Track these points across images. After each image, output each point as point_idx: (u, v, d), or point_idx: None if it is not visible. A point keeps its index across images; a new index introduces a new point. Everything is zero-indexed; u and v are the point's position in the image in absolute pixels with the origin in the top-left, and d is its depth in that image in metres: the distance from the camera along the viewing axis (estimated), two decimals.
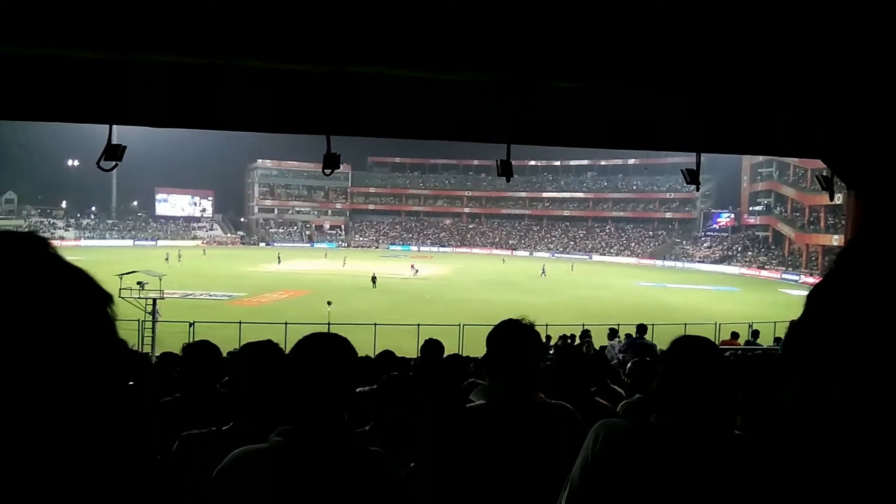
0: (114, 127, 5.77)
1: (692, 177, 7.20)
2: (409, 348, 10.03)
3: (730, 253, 66.21)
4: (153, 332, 18.27)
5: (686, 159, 7.27)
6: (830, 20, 3.49)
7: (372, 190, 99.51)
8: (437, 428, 1.98)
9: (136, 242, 76.52)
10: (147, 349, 16.09)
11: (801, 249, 56.39)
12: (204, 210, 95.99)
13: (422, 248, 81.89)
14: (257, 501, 1.32)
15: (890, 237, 0.52)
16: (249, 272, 44.49)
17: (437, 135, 6.06)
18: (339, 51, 3.78)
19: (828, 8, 3.39)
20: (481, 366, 2.07)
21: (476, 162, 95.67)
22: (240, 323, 16.72)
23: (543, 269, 50.06)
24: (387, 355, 5.50)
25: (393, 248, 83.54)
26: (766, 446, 1.36)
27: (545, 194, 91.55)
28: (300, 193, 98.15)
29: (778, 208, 64.76)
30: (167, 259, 47.22)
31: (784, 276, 51.73)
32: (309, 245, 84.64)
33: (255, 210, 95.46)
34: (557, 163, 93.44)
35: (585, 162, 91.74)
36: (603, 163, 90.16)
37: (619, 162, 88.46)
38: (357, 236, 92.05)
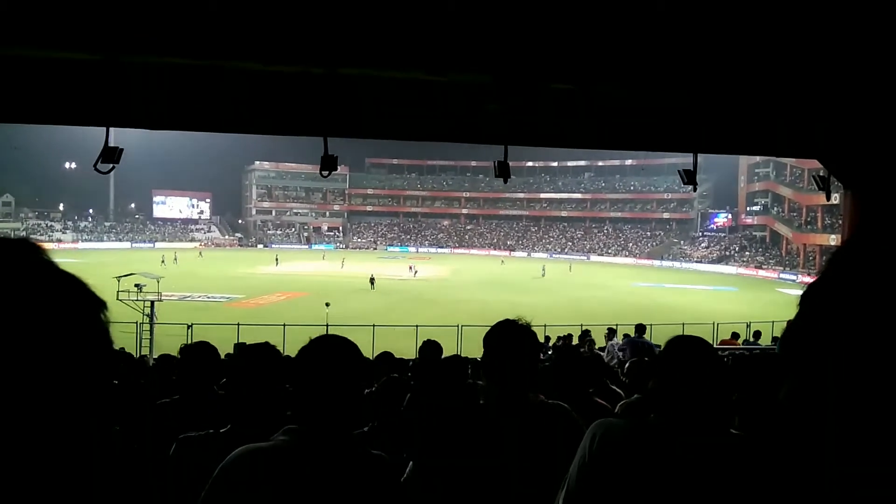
0: (111, 129, 5.76)
1: (689, 177, 7.21)
2: (407, 349, 10.02)
3: (727, 253, 66.29)
4: (151, 334, 18.24)
5: (683, 160, 7.28)
6: (827, 22, 3.50)
7: (370, 191, 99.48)
8: (435, 429, 1.98)
9: (134, 245, 76.42)
10: (145, 352, 16.06)
11: (799, 249, 56.49)
12: (201, 212, 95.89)
13: (420, 250, 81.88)
14: (259, 500, 1.32)
15: (884, 237, 0.52)
16: (247, 274, 44.44)
17: (435, 136, 6.07)
18: (331, 52, 3.78)
19: (825, 10, 3.40)
20: (478, 367, 2.06)
21: (474, 163, 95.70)
22: (238, 325, 16.70)
23: (543, 270, 50.07)
24: (386, 357, 5.50)
25: (391, 249, 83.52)
26: (763, 445, 1.36)
27: (543, 195, 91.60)
28: (298, 195, 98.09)
29: (775, 208, 64.87)
30: (163, 261, 47.12)
31: (782, 275, 51.80)
32: (307, 247, 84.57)
33: (253, 212, 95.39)
34: (555, 164, 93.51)
35: (583, 163, 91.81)
36: (600, 163, 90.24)
37: (617, 162, 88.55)
38: (355, 238, 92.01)
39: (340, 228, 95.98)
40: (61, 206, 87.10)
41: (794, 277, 49.20)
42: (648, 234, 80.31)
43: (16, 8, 3.37)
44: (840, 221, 40.58)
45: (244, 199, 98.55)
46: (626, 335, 12.59)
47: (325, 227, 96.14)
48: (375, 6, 3.45)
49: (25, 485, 0.49)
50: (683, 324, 17.26)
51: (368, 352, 9.03)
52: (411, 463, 1.97)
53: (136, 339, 17.27)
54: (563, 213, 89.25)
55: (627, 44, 3.84)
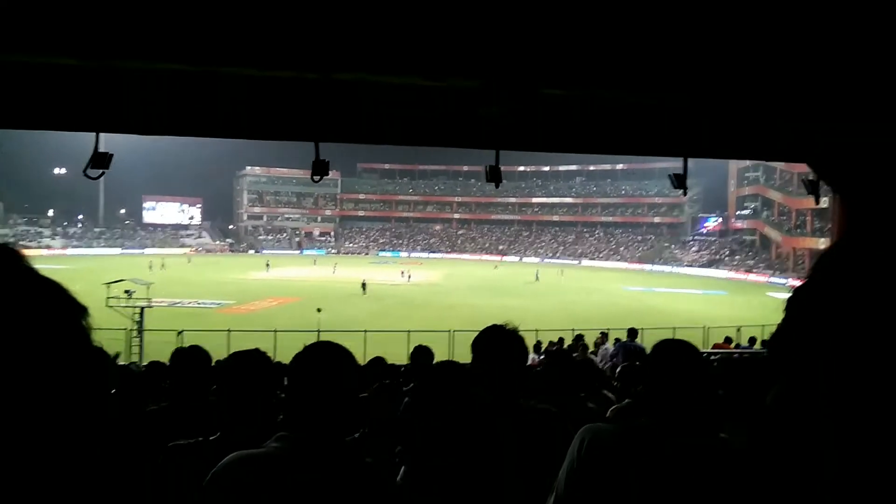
0: (101, 135, 5.73)
1: (679, 181, 7.25)
2: (399, 355, 10.00)
3: (718, 257, 66.64)
4: (140, 341, 18.10)
5: (674, 164, 7.32)
6: (815, 27, 3.53)
7: (361, 196, 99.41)
8: (428, 434, 1.97)
9: (124, 251, 75.89)
10: (135, 358, 15.94)
11: (789, 253, 56.87)
12: (192, 218, 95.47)
13: (412, 254, 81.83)
14: None
15: (869, 240, 0.52)
16: (238, 280, 44.26)
17: (426, 141, 6.07)
18: (326, 58, 3.78)
19: (812, 15, 3.43)
20: (467, 372, 2.07)
21: (465, 168, 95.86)
22: (228, 331, 16.60)
23: (537, 275, 50.13)
24: (377, 362, 5.48)
25: (383, 254, 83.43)
26: (751, 449, 1.37)
27: (534, 199, 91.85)
28: (289, 200, 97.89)
29: (765, 212, 65.33)
30: (150, 267, 46.71)
31: (772, 279, 52.11)
32: (298, 252, 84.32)
33: (244, 217, 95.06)
34: (546, 168, 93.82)
35: (574, 167, 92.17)
36: (591, 168, 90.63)
37: (608, 167, 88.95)
38: (347, 243, 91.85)
39: (332, 233, 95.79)
40: (51, 212, 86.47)
41: (783, 281, 49.51)
42: (639, 238, 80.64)
43: (4, 13, 3.35)
44: (829, 225, 40.91)
45: (235, 205, 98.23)
46: (616, 339, 12.61)
47: (317, 232, 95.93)
48: (370, 12, 3.46)
49: (8, 492, 0.48)
50: (674, 328, 17.33)
51: (360, 357, 9.00)
52: (403, 468, 1.97)
53: (126, 346, 17.14)
54: (555, 218, 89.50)
55: (617, 50, 3.86)
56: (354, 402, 1.48)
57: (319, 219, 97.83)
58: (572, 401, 2.99)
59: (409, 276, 46.51)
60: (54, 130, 5.57)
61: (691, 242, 74.32)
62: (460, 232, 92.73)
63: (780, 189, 60.06)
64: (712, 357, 10.13)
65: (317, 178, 6.44)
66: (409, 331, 16.54)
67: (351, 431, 1.45)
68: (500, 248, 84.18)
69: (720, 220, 73.49)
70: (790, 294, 0.60)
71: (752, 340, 15.90)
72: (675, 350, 1.54)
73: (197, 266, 55.89)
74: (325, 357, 1.46)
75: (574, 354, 7.24)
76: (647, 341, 11.68)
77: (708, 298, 39.50)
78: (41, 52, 3.82)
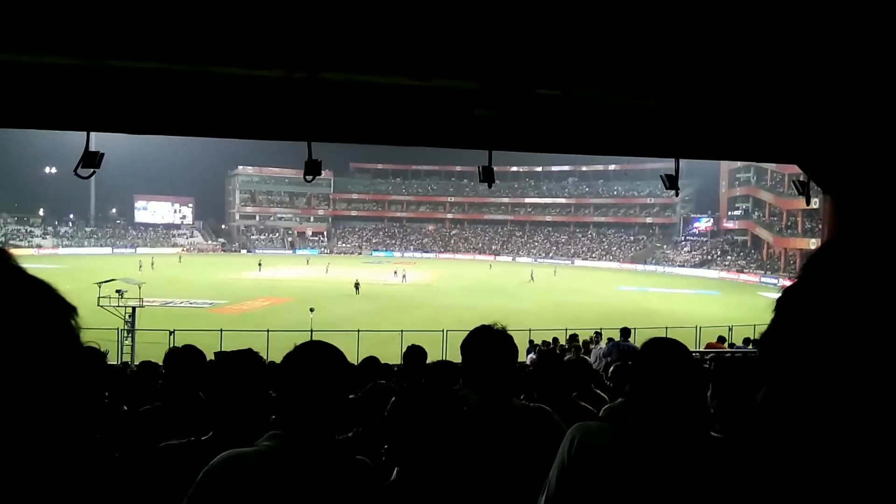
0: (91, 134, 5.70)
1: (671, 182, 7.28)
2: (392, 355, 9.99)
3: (709, 257, 66.97)
4: (132, 341, 18.01)
5: (666, 165, 7.35)
6: (806, 29, 3.56)
7: (354, 196, 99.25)
8: (421, 434, 1.98)
9: (115, 250, 75.44)
10: (126, 358, 15.86)
11: (780, 253, 57.22)
12: (184, 217, 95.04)
13: (405, 254, 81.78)
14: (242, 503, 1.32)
15: (859, 241, 0.52)
16: (230, 279, 44.09)
17: (419, 141, 6.07)
18: (314, 57, 3.77)
19: (803, 15, 3.45)
20: (459, 373, 2.08)
21: (458, 168, 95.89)
22: (220, 331, 16.55)
23: (532, 275, 50.17)
24: (371, 362, 5.47)
25: (376, 254, 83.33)
26: (740, 448, 1.38)
27: (527, 200, 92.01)
28: (282, 200, 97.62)
29: (756, 213, 65.69)
30: (140, 267, 46.24)
31: (763, 279, 52.42)
32: (291, 252, 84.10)
33: (237, 217, 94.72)
34: (539, 169, 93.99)
35: (567, 167, 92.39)
36: (584, 168, 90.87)
37: (600, 167, 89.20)
38: (340, 242, 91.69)
39: (325, 233, 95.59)
40: (41, 212, 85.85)
41: (775, 281, 49.81)
42: (632, 238, 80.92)
43: None
44: (820, 226, 41.18)
45: (227, 204, 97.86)
46: (609, 339, 12.66)
47: (310, 232, 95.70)
48: (358, 9, 3.46)
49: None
50: (667, 327, 17.39)
51: (353, 357, 8.98)
52: (396, 469, 1.97)
53: (118, 347, 17.05)
54: (548, 218, 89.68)
55: (608, 50, 3.87)
56: (345, 401, 1.48)
57: (312, 218, 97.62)
58: (565, 400, 3.00)
59: (405, 276, 46.47)
60: (45, 129, 5.53)
61: (683, 243, 74.64)
62: (453, 232, 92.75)
63: (772, 190, 60.42)
64: (706, 357, 10.19)
65: (309, 177, 6.43)
66: (402, 331, 16.54)
67: (342, 430, 1.45)
68: (493, 248, 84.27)
69: (711, 220, 73.85)
70: (780, 294, 0.61)
71: (747, 341, 15.98)
72: (663, 349, 1.54)
73: (188, 266, 55.63)
74: (315, 356, 1.47)
75: (567, 356, 7.25)
76: (640, 341, 11.72)
77: (700, 298, 39.69)
78: (30, 50, 3.79)
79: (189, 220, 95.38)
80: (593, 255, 76.56)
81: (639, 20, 3.54)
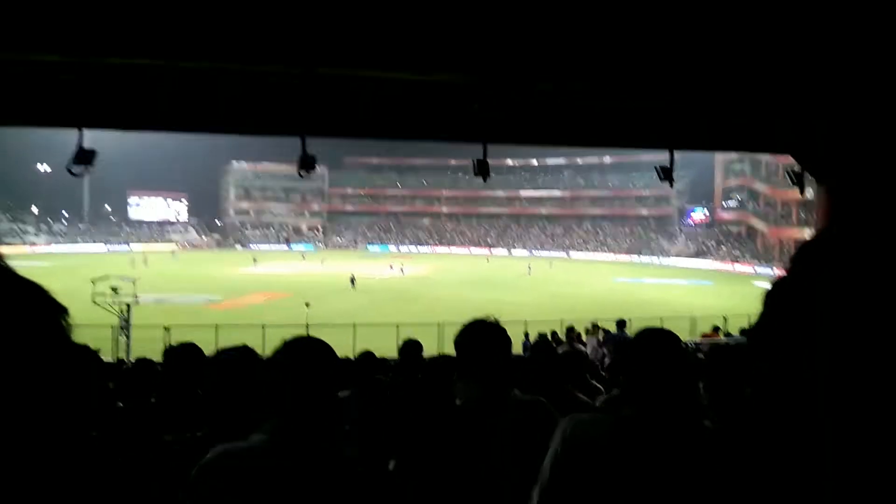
0: (84, 130, 5.67)
1: (665, 174, 7.29)
2: (388, 348, 10.01)
3: (704, 248, 67.13)
4: (128, 337, 17.98)
5: (660, 157, 7.36)
6: (800, 21, 3.56)
7: (349, 191, 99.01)
8: (418, 429, 1.98)
9: (110, 247, 75.13)
10: (122, 355, 15.83)
11: (774, 243, 57.39)
12: (178, 213, 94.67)
13: (401, 248, 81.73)
14: (236, 500, 1.32)
15: (847, 232, 0.52)
16: (225, 275, 43.99)
17: (413, 135, 6.06)
18: (309, 52, 3.76)
19: (798, 10, 3.46)
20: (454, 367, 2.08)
21: (453, 161, 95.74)
22: (216, 326, 16.53)
23: (530, 268, 50.24)
24: (367, 356, 5.47)
25: (371, 248, 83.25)
26: (733, 438, 1.39)
27: (523, 193, 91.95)
28: (276, 195, 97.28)
29: (751, 203, 65.82)
30: (133, 264, 45.87)
31: (757, 269, 52.59)
32: (286, 247, 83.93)
33: (231, 212, 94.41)
34: (534, 161, 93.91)
35: (562, 160, 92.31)
36: (579, 161, 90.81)
37: (595, 160, 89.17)
38: (335, 237, 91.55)
39: (320, 228, 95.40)
40: (34, 209, 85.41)
41: (770, 271, 49.99)
42: (627, 230, 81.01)
43: None
44: (815, 216, 41.28)
45: (222, 200, 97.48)
46: (605, 330, 12.70)
47: (305, 227, 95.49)
48: (353, 5, 3.44)
49: None
50: (662, 318, 17.46)
51: (349, 351, 8.97)
52: (393, 462, 1.98)
53: (113, 343, 17.02)
54: (543, 211, 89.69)
55: (603, 44, 3.87)
56: (333, 395, 1.49)
57: (307, 213, 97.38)
58: (560, 391, 3.01)
59: (403, 269, 46.51)
60: (37, 127, 5.50)
61: (678, 234, 74.79)
62: (449, 226, 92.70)
63: (766, 181, 60.53)
64: (700, 347, 10.21)
65: (303, 172, 6.42)
66: (398, 324, 16.56)
67: (332, 424, 1.46)
68: (489, 241, 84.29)
69: (706, 211, 73.99)
70: (769, 287, 0.61)
71: (744, 332, 16.04)
72: (655, 339, 1.55)
73: (183, 262, 55.46)
74: (303, 350, 1.47)
75: (559, 347, 7.27)
76: (635, 332, 11.75)
77: (695, 288, 39.84)
78: (23, 48, 3.77)
79: (183, 216, 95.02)
80: (589, 248, 76.66)
81: (636, 16, 3.54)
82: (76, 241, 76.81)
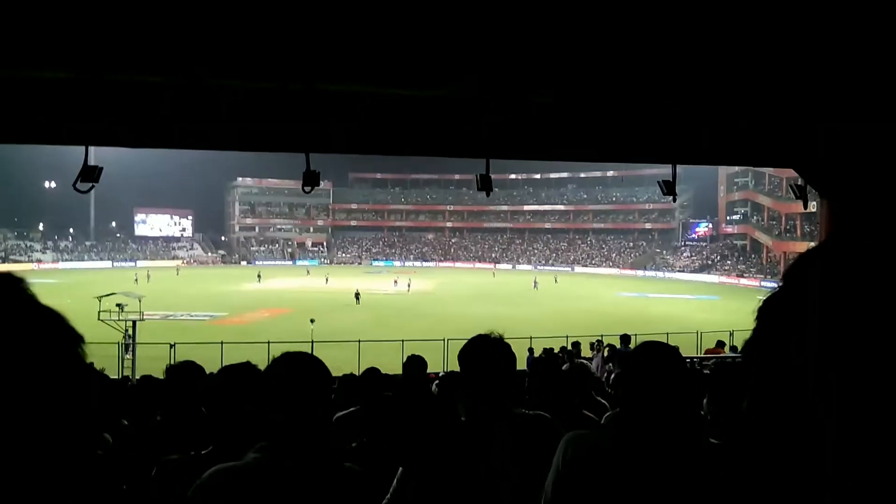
0: (90, 148, 5.72)
1: (668, 188, 7.29)
2: (393, 364, 9.97)
3: (709, 262, 66.93)
4: (133, 355, 17.98)
5: (663, 170, 7.37)
6: (801, 35, 3.58)
7: (354, 206, 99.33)
8: (423, 445, 1.97)
9: (115, 264, 75.37)
10: (127, 373, 15.82)
11: (779, 257, 57.18)
12: (184, 229, 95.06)
13: (405, 263, 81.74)
14: None
15: (842, 245, 0.51)
16: (230, 291, 44.03)
17: (416, 151, 6.09)
18: (309, 68, 3.79)
19: (799, 22, 3.47)
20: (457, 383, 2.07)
21: (457, 176, 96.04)
22: (221, 343, 16.52)
23: (535, 282, 50.20)
24: (372, 373, 5.46)
25: (376, 263, 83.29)
26: (735, 454, 1.37)
27: (526, 207, 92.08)
28: (281, 211, 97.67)
29: (755, 217, 65.70)
30: (136, 281, 45.96)
31: (763, 283, 52.34)
32: (291, 263, 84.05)
33: (236, 228, 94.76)
34: (537, 176, 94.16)
35: (565, 174, 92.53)
36: (582, 175, 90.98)
37: (598, 174, 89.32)
38: (339, 253, 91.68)
39: (325, 244, 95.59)
40: (41, 226, 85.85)
41: (775, 285, 49.51)
42: (631, 244, 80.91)
43: None
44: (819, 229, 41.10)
45: (227, 216, 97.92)
46: (610, 345, 12.63)
47: (310, 243, 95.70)
48: (353, 21, 3.48)
49: None
50: (667, 333, 17.34)
51: (355, 368, 8.96)
52: (399, 472, 1.96)
53: (118, 361, 17.02)
54: (547, 225, 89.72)
55: (603, 58, 3.89)
56: (325, 410, 1.48)
57: (312, 229, 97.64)
58: (566, 407, 2.99)
59: (409, 285, 46.52)
60: (43, 144, 5.55)
61: (682, 248, 74.63)
62: (453, 240, 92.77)
63: (770, 194, 60.48)
64: (705, 363, 10.14)
65: (308, 188, 6.44)
66: (403, 340, 16.52)
67: (323, 438, 1.45)
68: (493, 255, 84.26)
69: (710, 225, 73.86)
70: (762, 302, 0.60)
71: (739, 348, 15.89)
72: (653, 353, 1.53)
73: (188, 278, 55.54)
74: (289, 366, 1.47)
75: (564, 366, 7.24)
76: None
77: (701, 303, 39.65)
78: (29, 65, 3.81)
79: (189, 232, 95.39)
80: (593, 262, 76.52)
81: (638, 29, 3.56)
82: (82, 258, 77.11)
